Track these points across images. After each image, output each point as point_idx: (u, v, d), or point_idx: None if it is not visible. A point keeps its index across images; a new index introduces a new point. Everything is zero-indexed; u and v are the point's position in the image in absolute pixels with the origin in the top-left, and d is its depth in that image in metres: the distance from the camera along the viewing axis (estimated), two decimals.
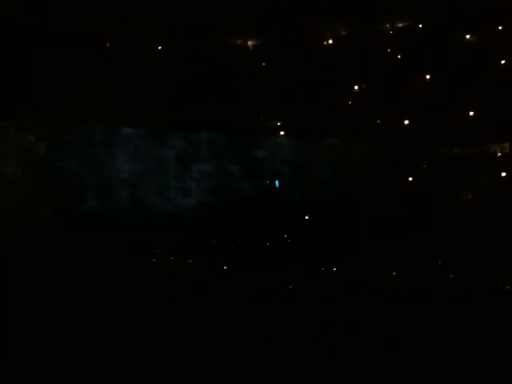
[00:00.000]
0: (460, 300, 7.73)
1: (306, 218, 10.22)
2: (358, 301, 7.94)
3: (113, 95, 9.50)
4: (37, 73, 9.27)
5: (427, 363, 6.42)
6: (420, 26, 10.85)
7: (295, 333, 7.24)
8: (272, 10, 10.34)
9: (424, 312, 7.45)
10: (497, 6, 10.48)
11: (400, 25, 10.90)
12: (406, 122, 10.54)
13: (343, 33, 10.86)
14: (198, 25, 10.18)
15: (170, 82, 9.97)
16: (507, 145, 10.44)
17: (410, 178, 10.47)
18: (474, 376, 6.18)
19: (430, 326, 7.00)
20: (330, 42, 10.89)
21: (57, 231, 8.92)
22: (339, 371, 6.64)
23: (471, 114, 10.46)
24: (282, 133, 10.54)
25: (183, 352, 6.89)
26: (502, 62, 10.52)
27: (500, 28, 10.52)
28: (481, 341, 6.62)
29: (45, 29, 9.54)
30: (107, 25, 9.91)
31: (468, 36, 10.69)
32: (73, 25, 9.62)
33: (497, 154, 10.43)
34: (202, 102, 9.98)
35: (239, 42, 10.66)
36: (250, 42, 10.74)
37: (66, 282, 8.04)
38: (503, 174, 10.23)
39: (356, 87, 10.79)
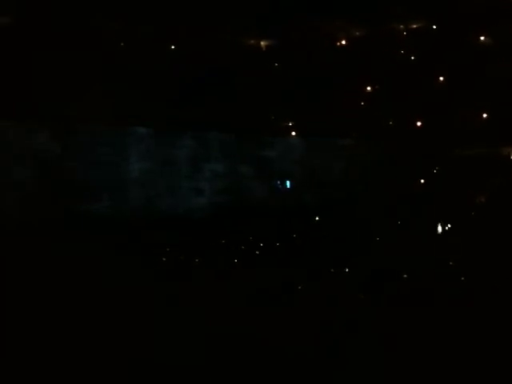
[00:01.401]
0: (466, 302, 7.69)
1: (317, 218, 10.19)
2: (364, 301, 7.93)
3: (123, 95, 9.53)
4: (44, 72, 9.31)
5: (428, 363, 6.39)
6: (434, 27, 10.78)
7: (301, 333, 7.23)
8: (284, 10, 10.32)
9: (430, 313, 7.42)
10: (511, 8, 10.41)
11: (414, 26, 10.84)
12: (419, 123, 10.48)
13: (356, 33, 10.82)
14: (208, 24, 10.18)
15: (180, 82, 9.99)
16: None
17: (422, 180, 10.42)
18: (475, 376, 6.14)
19: (431, 326, 6.97)
20: (343, 42, 10.85)
21: (66, 232, 8.94)
22: (342, 372, 6.62)
23: (484, 115, 10.39)
24: (293, 133, 10.51)
25: (189, 352, 6.91)
26: None
27: None
28: (482, 341, 6.58)
29: (56, 30, 9.58)
30: (117, 25, 9.93)
31: (482, 37, 10.62)
32: (78, 25, 9.65)
33: (510, 156, 10.35)
34: (213, 102, 9.98)
35: (252, 41, 10.65)
36: (262, 42, 10.72)
37: (76, 283, 8.07)
38: None
39: (369, 88, 10.75)
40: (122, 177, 9.66)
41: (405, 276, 8.80)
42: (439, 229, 9.42)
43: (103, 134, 9.59)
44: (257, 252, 9.41)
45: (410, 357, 6.38)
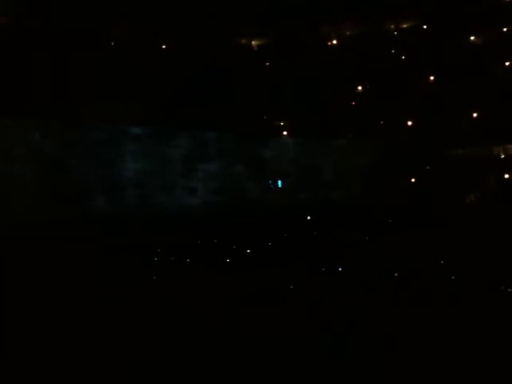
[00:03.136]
0: (461, 301, 7.72)
1: (310, 218, 10.23)
2: (360, 301, 7.93)
3: (120, 94, 9.51)
4: (45, 72, 9.27)
5: (427, 364, 6.42)
6: (424, 27, 10.85)
7: (298, 332, 7.23)
8: (277, 10, 10.34)
9: (425, 312, 7.45)
10: (501, 8, 10.48)
11: (404, 25, 10.91)
12: (410, 123, 10.54)
13: (347, 33, 10.86)
14: (204, 24, 10.18)
15: (176, 82, 9.98)
16: (511, 146, 10.44)
17: (413, 179, 10.47)
18: (474, 376, 6.18)
19: (430, 326, 7.00)
20: (335, 42, 10.89)
21: (62, 230, 8.90)
22: (340, 371, 6.64)
23: (475, 115, 10.46)
24: (285, 133, 10.54)
25: (185, 352, 6.89)
26: (507, 63, 10.51)
27: (504, 30, 10.52)
28: (481, 341, 6.62)
29: (53, 30, 9.56)
30: (115, 25, 9.92)
31: (472, 37, 10.69)
32: (80, 26, 9.63)
33: (500, 155, 10.42)
34: (208, 102, 9.98)
35: (244, 41, 10.66)
36: (254, 42, 10.75)
37: (70, 281, 8.04)
38: (506, 176, 10.22)
39: (360, 88, 10.79)
40: (117, 176, 9.64)
41: (396, 275, 8.82)
42: (431, 227, 9.45)
43: (102, 133, 9.55)
44: (252, 251, 9.41)
45: (409, 356, 6.41)
